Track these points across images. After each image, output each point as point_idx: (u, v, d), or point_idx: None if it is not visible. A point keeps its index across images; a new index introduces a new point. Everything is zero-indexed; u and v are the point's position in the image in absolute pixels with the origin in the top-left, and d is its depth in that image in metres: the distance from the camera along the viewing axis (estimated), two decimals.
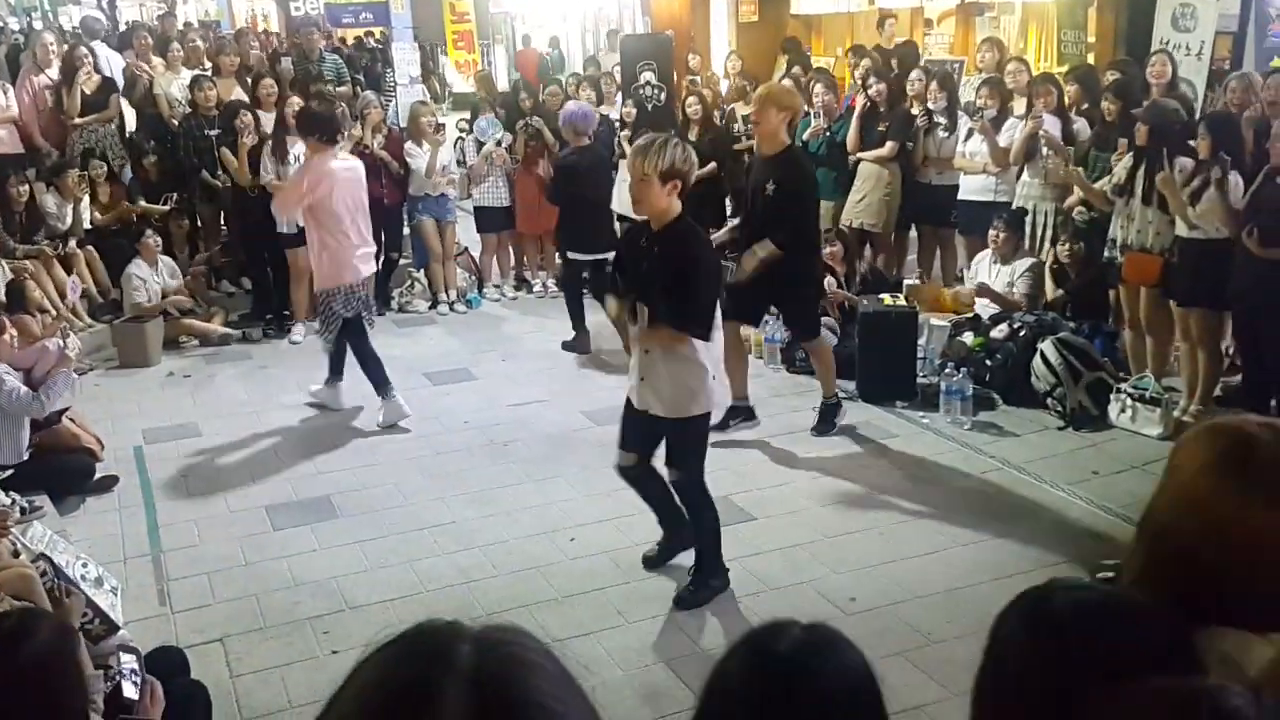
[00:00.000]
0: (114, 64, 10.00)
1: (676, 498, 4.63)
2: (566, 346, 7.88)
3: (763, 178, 5.97)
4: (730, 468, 5.90)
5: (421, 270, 9.49)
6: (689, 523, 4.66)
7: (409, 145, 9.00)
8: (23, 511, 5.14)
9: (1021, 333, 6.71)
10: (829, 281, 7.41)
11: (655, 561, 4.85)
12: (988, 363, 6.72)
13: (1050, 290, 7.20)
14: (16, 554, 4.22)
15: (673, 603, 4.56)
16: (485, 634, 1.01)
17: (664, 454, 4.59)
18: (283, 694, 4.08)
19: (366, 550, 5.15)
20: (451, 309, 9.24)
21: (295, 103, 8.23)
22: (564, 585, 4.77)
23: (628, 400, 4.54)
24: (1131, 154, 6.32)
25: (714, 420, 4.73)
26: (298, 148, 8.05)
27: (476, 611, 4.57)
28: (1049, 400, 6.47)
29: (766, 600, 4.62)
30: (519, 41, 22.38)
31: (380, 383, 6.71)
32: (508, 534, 5.27)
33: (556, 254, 8.93)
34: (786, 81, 9.19)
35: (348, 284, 6.59)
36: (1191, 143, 6.00)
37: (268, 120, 8.57)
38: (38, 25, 23.57)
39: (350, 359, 6.86)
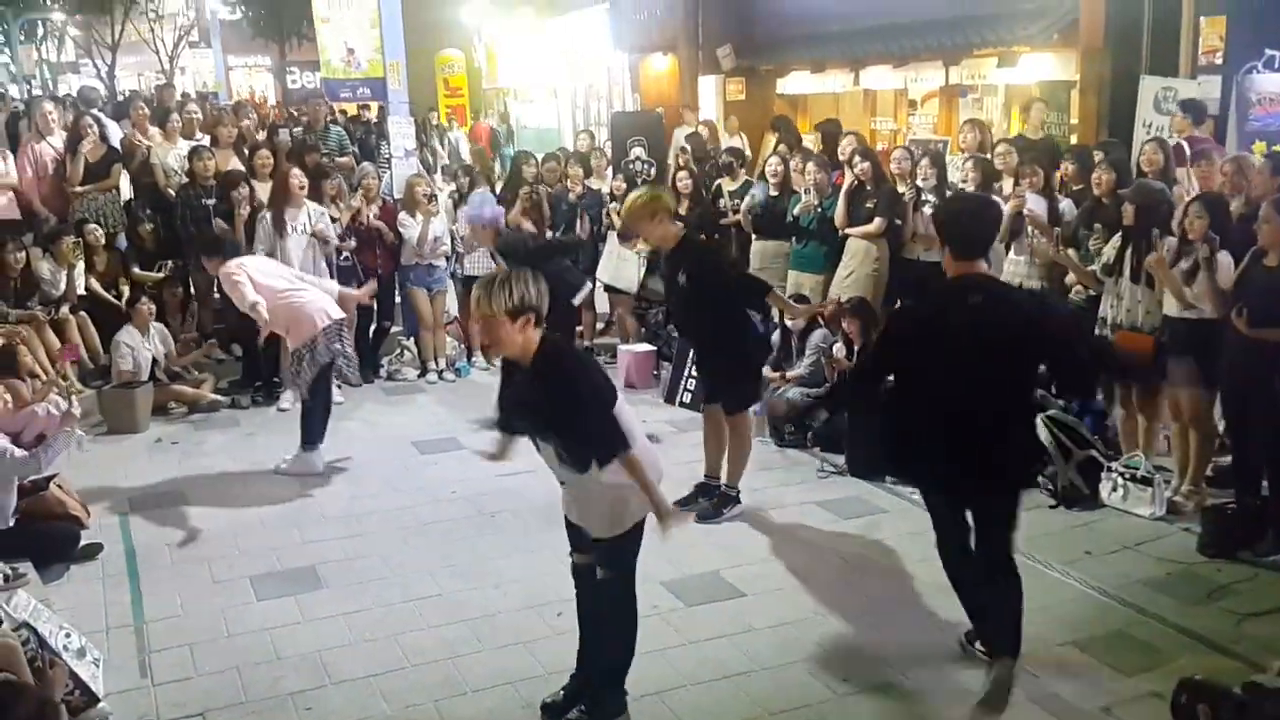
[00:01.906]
0: (111, 133, 10.03)
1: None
2: None
3: (672, 271, 6.19)
4: (718, 542, 5.84)
5: (411, 338, 9.49)
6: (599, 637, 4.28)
7: (402, 216, 9.07)
8: (6, 579, 5.09)
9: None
10: (838, 349, 7.39)
11: (555, 711, 4.27)
12: None
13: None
14: None
15: None
16: None
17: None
18: None
19: (351, 623, 5.05)
20: (440, 377, 9.21)
21: (296, 173, 8.26)
22: (551, 661, 4.64)
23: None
24: (1120, 234, 6.35)
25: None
26: (300, 219, 8.07)
27: (462, 688, 4.48)
28: (1040, 479, 6.41)
29: (757, 681, 4.51)
30: (512, 119, 22.66)
31: (312, 439, 6.97)
32: (495, 607, 5.16)
33: None
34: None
35: (322, 328, 6.79)
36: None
37: (263, 190, 8.60)
38: (37, 93, 23.77)
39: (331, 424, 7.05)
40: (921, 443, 4.32)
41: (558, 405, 3.84)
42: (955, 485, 4.38)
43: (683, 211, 9.06)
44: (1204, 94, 7.92)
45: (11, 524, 5.56)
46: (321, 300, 6.98)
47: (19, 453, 5.53)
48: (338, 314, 6.97)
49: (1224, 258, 5.79)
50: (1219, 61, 8.39)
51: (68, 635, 4.43)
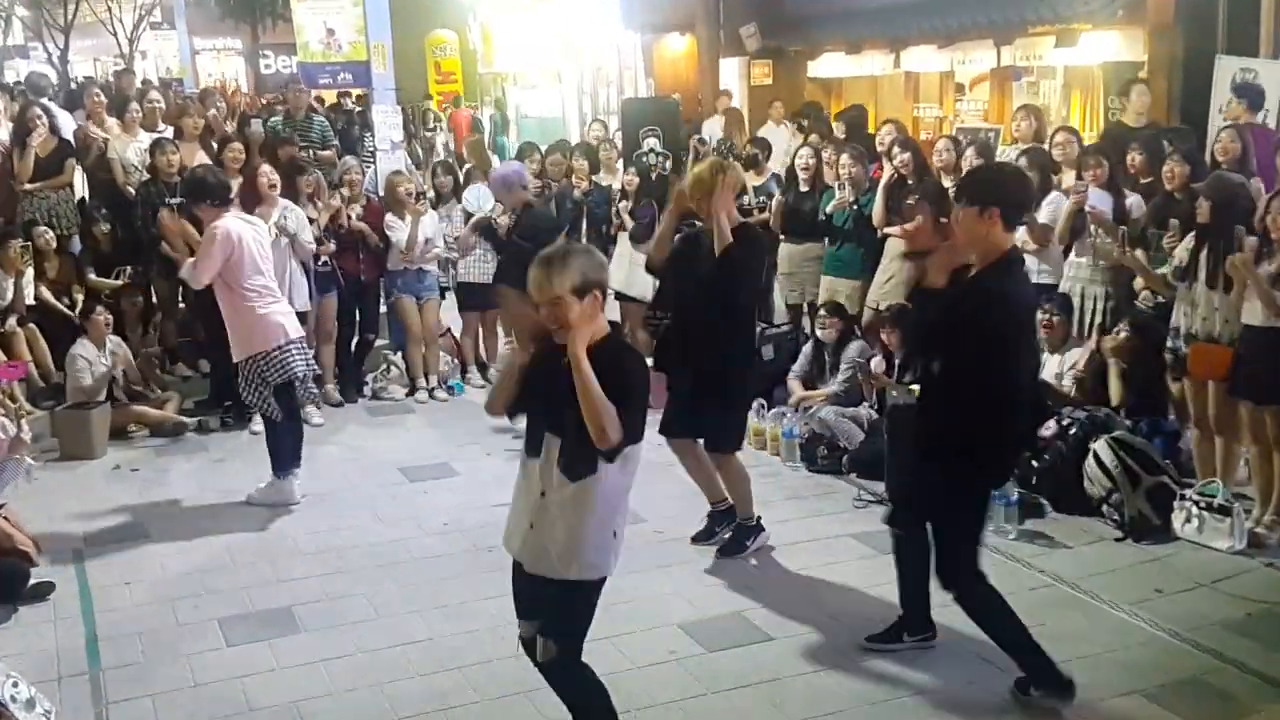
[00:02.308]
0: (64, 125, 10.14)
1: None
2: None
3: (715, 265, 5.98)
4: (741, 580, 5.87)
5: (399, 353, 9.54)
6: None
7: (389, 217, 9.12)
8: None
9: (1072, 430, 6.69)
10: (877, 363, 7.42)
11: None
12: (1034, 464, 6.67)
13: (1116, 390, 7.11)
14: None
15: None
16: None
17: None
18: None
19: (332, 670, 5.08)
20: (431, 396, 9.26)
21: (266, 169, 8.33)
22: (555, 713, 4.62)
23: (515, 562, 4.13)
24: (1193, 234, 6.36)
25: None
26: (274, 215, 8.14)
27: None
28: (1104, 508, 6.43)
29: None
30: (511, 107, 22.78)
31: (284, 466, 7.04)
32: (492, 652, 5.16)
33: None
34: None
35: (275, 346, 6.89)
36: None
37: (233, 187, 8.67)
38: None
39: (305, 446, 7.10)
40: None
41: (615, 392, 3.82)
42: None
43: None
44: None
45: None
46: (284, 314, 7.08)
47: None
48: (297, 331, 7.10)
49: None
50: None
51: (15, 685, 4.45)
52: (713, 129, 12.83)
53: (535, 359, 3.89)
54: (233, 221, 7.01)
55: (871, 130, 10.81)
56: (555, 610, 4.00)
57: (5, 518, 6.05)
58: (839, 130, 10.67)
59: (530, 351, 3.91)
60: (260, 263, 7.03)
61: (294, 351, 6.98)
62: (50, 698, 4.63)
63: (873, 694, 4.83)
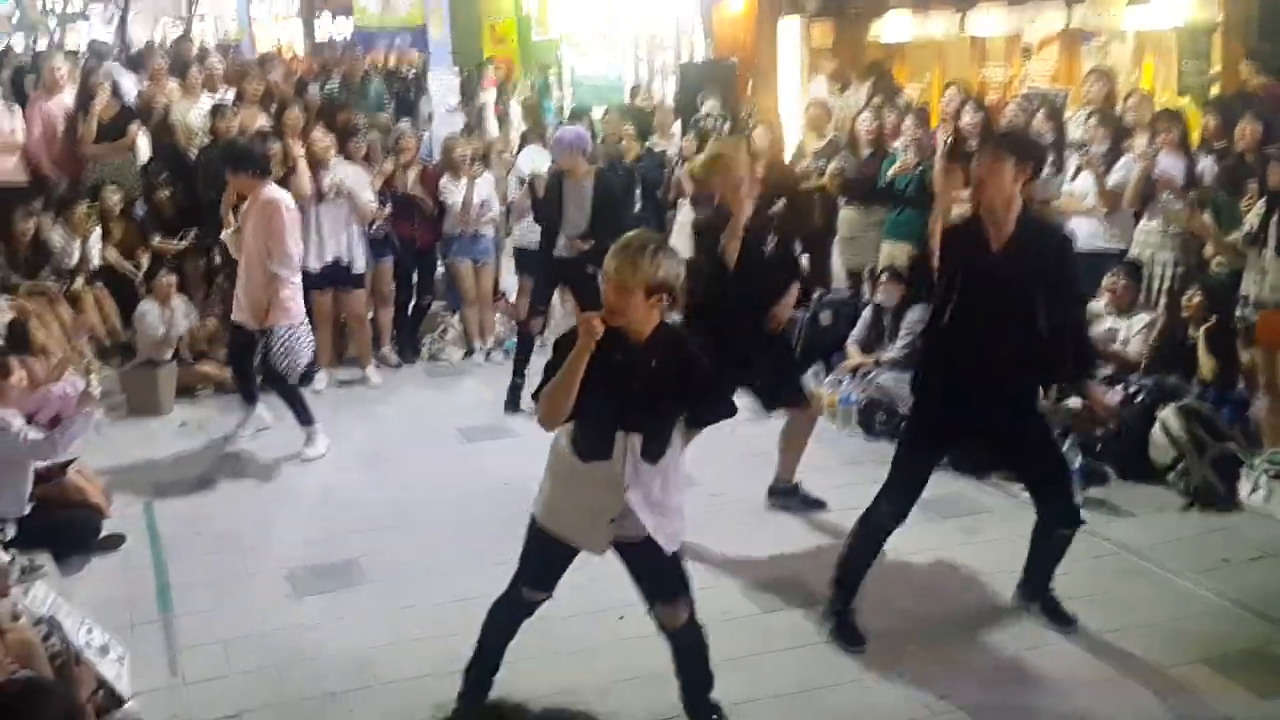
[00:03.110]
0: (126, 89, 10.31)
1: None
2: None
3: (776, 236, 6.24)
4: (798, 545, 5.94)
5: (455, 315, 9.65)
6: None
7: (444, 180, 9.19)
8: (23, 571, 5.21)
9: (1138, 398, 6.70)
10: None
11: None
12: (1099, 432, 6.67)
13: (1207, 365, 6.95)
14: (17, 617, 4.32)
15: None
16: None
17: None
18: None
19: (396, 621, 5.21)
20: (488, 358, 9.38)
21: (318, 135, 8.46)
22: (612, 671, 4.77)
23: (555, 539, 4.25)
24: (1264, 198, 6.32)
25: None
26: (330, 176, 8.27)
27: (515, 699, 4.59)
28: (1170, 476, 6.44)
29: (842, 696, 4.60)
30: (566, 70, 22.74)
31: (310, 419, 7.35)
32: (549, 611, 5.06)
33: None
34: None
35: (303, 319, 7.27)
36: None
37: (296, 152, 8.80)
38: (42, 46, 24.35)
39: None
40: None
41: (686, 379, 3.93)
42: None
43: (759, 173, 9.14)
44: None
45: (27, 512, 5.74)
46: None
47: (34, 435, 5.72)
48: None
49: None
50: None
51: (89, 631, 4.58)
52: (815, 94, 12.64)
53: (598, 364, 3.81)
54: (280, 193, 7.19)
55: (937, 93, 10.73)
56: (672, 577, 4.18)
57: (78, 471, 6.19)
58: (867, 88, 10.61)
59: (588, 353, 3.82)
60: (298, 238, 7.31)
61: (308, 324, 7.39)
62: (123, 644, 4.74)
63: (932, 655, 4.87)
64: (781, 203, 8.68)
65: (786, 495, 6.43)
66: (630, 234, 4.01)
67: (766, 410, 6.41)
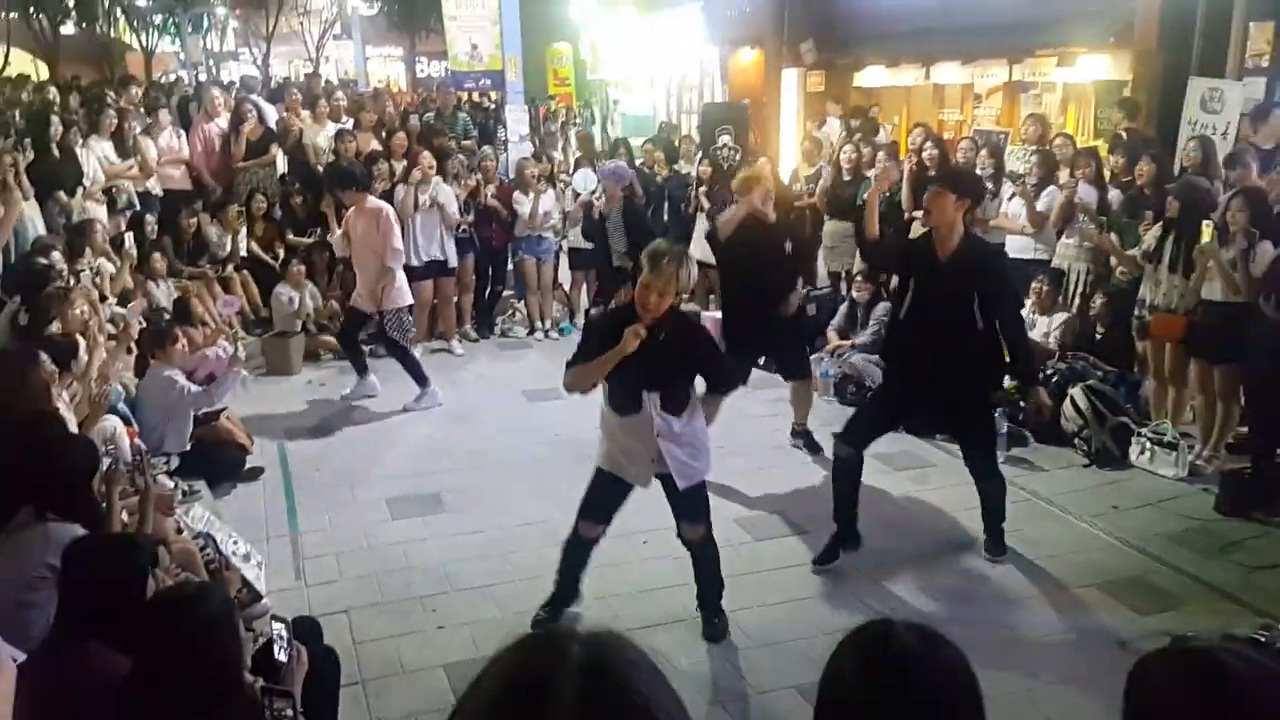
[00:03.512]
0: (268, 115, 10.39)
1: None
2: None
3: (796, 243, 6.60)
4: (785, 485, 6.01)
5: (522, 301, 9.71)
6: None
7: (516, 194, 9.23)
8: (185, 494, 5.33)
9: (1054, 379, 6.68)
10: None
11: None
12: (1022, 404, 6.67)
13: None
14: (180, 531, 4.40)
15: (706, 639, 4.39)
16: (591, 636, 1.06)
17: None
18: (396, 661, 4.21)
19: (469, 541, 5.28)
20: (546, 335, 9.42)
21: (425, 155, 8.50)
22: (637, 581, 4.84)
23: (614, 477, 4.30)
24: (1161, 225, 6.28)
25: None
26: (427, 194, 8.32)
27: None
28: (1076, 440, 6.44)
29: (814, 606, 4.68)
30: (611, 106, 22.68)
31: (424, 379, 7.42)
32: None
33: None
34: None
35: (407, 306, 7.42)
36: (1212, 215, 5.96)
37: (398, 168, 8.86)
38: (203, 78, 24.52)
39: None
40: None
41: (692, 351, 4.06)
42: None
43: None
44: (1248, 95, 7.68)
45: (189, 448, 5.86)
46: None
47: (194, 388, 5.84)
48: None
49: (1266, 247, 5.69)
50: (1265, 64, 8.11)
51: (235, 543, 4.66)
52: (828, 134, 12.57)
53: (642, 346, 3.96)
54: (381, 203, 7.28)
55: (905, 130, 10.65)
56: (696, 503, 4.27)
57: (227, 417, 6.31)
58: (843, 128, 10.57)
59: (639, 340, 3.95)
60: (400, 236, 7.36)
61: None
62: (261, 553, 4.85)
63: (886, 575, 4.93)
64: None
65: (802, 435, 6.61)
66: (658, 246, 4.07)
67: (785, 379, 6.66)
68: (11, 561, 3.19)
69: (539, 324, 9.47)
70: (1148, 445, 6.15)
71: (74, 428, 4.15)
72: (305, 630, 3.69)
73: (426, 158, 8.44)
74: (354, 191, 7.20)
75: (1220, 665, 1.35)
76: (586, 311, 9.75)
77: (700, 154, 10.59)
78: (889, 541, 5.27)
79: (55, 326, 5.38)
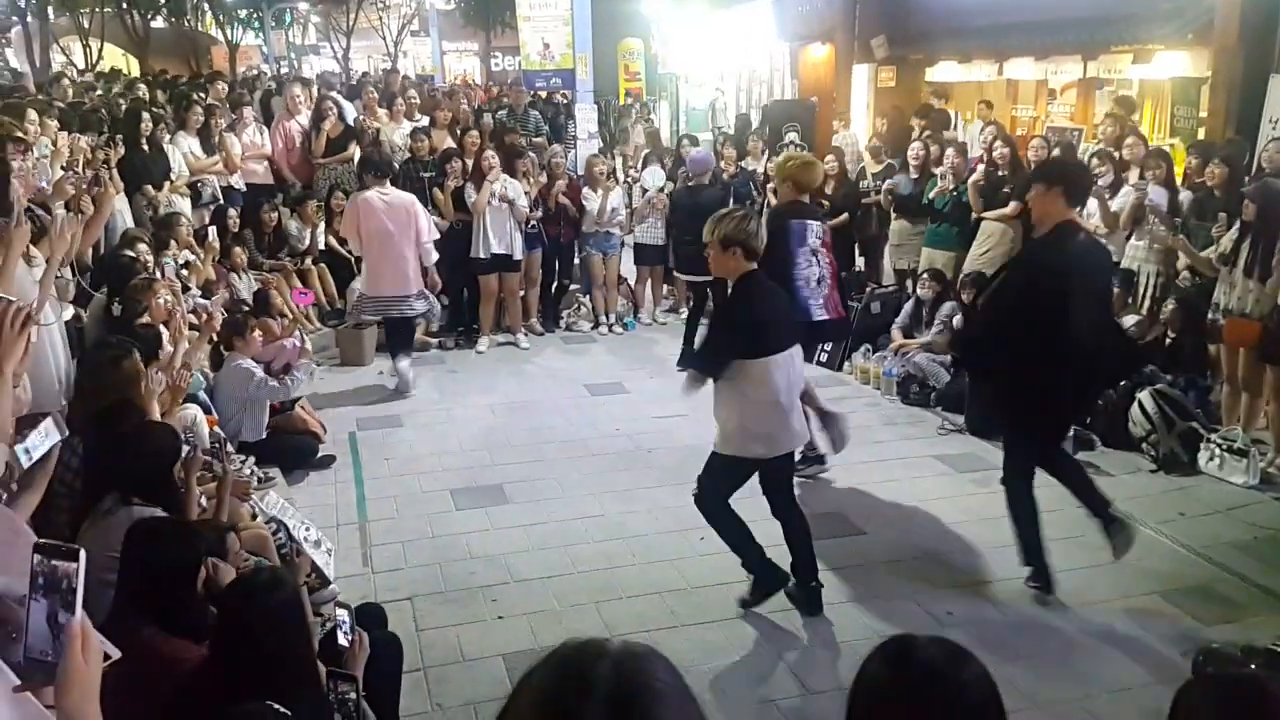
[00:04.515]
0: (347, 112, 10.61)
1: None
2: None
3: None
4: (844, 486, 5.95)
5: (587, 296, 9.76)
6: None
7: (585, 190, 9.28)
8: (260, 481, 5.44)
9: (1122, 382, 6.53)
10: (958, 320, 7.35)
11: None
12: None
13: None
14: (254, 517, 4.53)
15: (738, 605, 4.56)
16: (623, 658, 1.08)
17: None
18: (457, 649, 4.29)
19: (530, 533, 5.34)
20: (610, 330, 9.46)
21: (489, 154, 8.59)
22: (692, 577, 4.85)
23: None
24: (1237, 227, 6.10)
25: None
26: (496, 187, 8.42)
27: (617, 593, 4.72)
28: (1144, 445, 6.30)
29: (873, 607, 4.64)
30: (681, 101, 22.67)
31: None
32: (647, 528, 5.37)
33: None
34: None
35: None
36: None
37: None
38: (284, 71, 25.05)
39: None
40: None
41: (716, 313, 4.27)
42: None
43: (829, 190, 9.09)
44: None
45: (265, 436, 6.01)
46: None
47: (272, 382, 5.99)
48: None
49: None
50: None
51: (307, 529, 4.73)
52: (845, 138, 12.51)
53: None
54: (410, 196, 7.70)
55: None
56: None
57: (302, 407, 6.46)
58: (917, 125, 10.40)
59: None
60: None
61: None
62: (330, 540, 4.93)
63: (946, 579, 4.88)
64: (844, 216, 8.70)
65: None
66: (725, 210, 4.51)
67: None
68: (99, 543, 3.34)
69: (603, 319, 9.52)
70: (1217, 451, 5.99)
71: (157, 415, 4.30)
72: (371, 617, 3.77)
73: (490, 156, 8.54)
74: (372, 177, 7.70)
75: (1261, 693, 1.34)
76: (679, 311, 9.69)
77: (766, 152, 10.56)
78: (946, 545, 5.22)
79: (144, 317, 5.57)
